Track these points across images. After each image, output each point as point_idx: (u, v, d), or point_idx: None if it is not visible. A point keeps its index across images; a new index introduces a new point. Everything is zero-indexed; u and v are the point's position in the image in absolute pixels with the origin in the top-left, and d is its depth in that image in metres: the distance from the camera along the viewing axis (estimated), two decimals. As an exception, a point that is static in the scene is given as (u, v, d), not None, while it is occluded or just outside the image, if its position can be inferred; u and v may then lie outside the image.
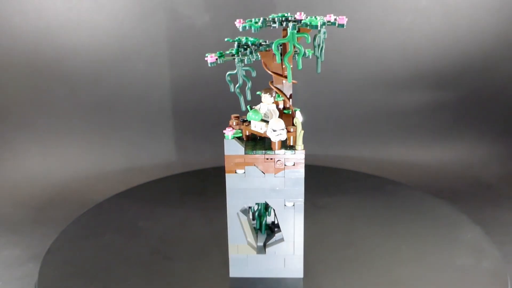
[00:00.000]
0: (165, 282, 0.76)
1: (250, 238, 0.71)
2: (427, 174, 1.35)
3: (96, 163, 1.41)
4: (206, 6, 1.40)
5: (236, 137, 0.67)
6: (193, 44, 1.43)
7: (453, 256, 0.83)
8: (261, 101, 0.69)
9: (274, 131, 0.63)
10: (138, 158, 1.44)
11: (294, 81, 0.67)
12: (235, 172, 0.66)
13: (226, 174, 0.67)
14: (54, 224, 1.10)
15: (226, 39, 0.68)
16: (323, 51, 0.66)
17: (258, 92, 0.70)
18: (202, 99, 1.47)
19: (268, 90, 0.68)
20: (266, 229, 0.76)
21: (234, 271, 0.73)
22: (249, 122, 0.68)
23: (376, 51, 1.44)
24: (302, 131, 0.65)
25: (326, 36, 0.65)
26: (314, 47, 0.66)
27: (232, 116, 0.71)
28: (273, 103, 0.68)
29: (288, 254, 0.71)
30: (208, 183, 1.15)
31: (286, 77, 0.66)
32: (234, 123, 0.70)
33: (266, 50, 0.67)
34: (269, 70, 0.68)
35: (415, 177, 1.32)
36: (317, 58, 0.67)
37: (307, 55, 0.69)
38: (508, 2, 1.40)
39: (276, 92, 0.68)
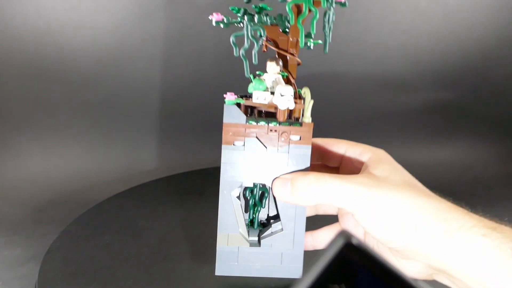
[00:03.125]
0: (165, 282, 0.76)
1: (243, 229, 0.59)
2: (427, 174, 1.35)
3: (96, 163, 1.41)
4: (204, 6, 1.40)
5: (237, 105, 0.58)
6: (193, 44, 1.43)
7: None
8: (266, 71, 0.59)
9: (282, 95, 0.55)
10: (138, 158, 1.44)
11: (298, 60, 0.61)
12: (233, 144, 0.57)
13: (223, 146, 0.58)
14: (54, 224, 1.10)
15: (230, 8, 0.60)
16: (331, 31, 0.61)
17: (258, 72, 0.62)
18: (202, 99, 1.47)
19: (273, 59, 0.60)
20: (259, 225, 0.63)
21: (221, 268, 0.59)
22: (249, 97, 0.59)
23: (376, 51, 1.44)
24: (312, 101, 0.57)
25: (334, 18, 0.62)
26: (324, 23, 0.61)
27: (228, 93, 0.62)
28: (278, 72, 0.59)
29: (287, 250, 0.59)
30: (208, 183, 1.15)
31: (292, 54, 0.60)
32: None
33: (272, 25, 0.59)
34: (272, 46, 0.61)
35: (415, 177, 1.32)
36: (325, 36, 0.61)
37: (310, 43, 0.63)
38: (508, 2, 1.40)
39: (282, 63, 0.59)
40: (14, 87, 1.42)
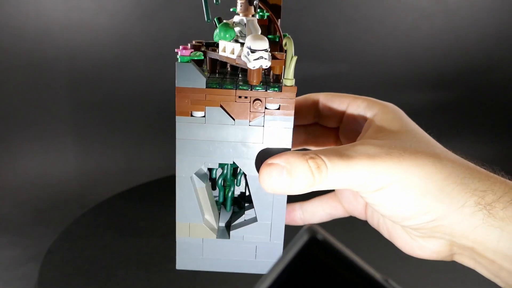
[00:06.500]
0: (165, 282, 0.76)
1: (210, 215, 0.48)
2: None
3: (96, 163, 1.41)
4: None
5: (195, 62, 0.44)
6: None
7: (453, 256, 0.83)
8: (236, 13, 0.45)
9: (253, 52, 0.40)
10: (138, 158, 1.44)
11: None
12: (191, 115, 0.44)
13: (177, 117, 0.44)
14: (54, 225, 1.10)
15: None
16: None
17: (232, 9, 0.47)
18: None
19: None
20: (232, 204, 0.51)
21: (183, 262, 0.49)
22: (216, 46, 0.46)
23: (376, 51, 1.44)
24: (295, 57, 0.42)
25: None
26: None
27: (194, 41, 0.48)
28: (253, 15, 0.44)
29: (262, 242, 0.48)
30: (208, 183, 1.15)
31: None
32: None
33: None
34: None
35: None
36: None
37: None
38: (508, 2, 1.40)
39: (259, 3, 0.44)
40: (14, 87, 1.42)
